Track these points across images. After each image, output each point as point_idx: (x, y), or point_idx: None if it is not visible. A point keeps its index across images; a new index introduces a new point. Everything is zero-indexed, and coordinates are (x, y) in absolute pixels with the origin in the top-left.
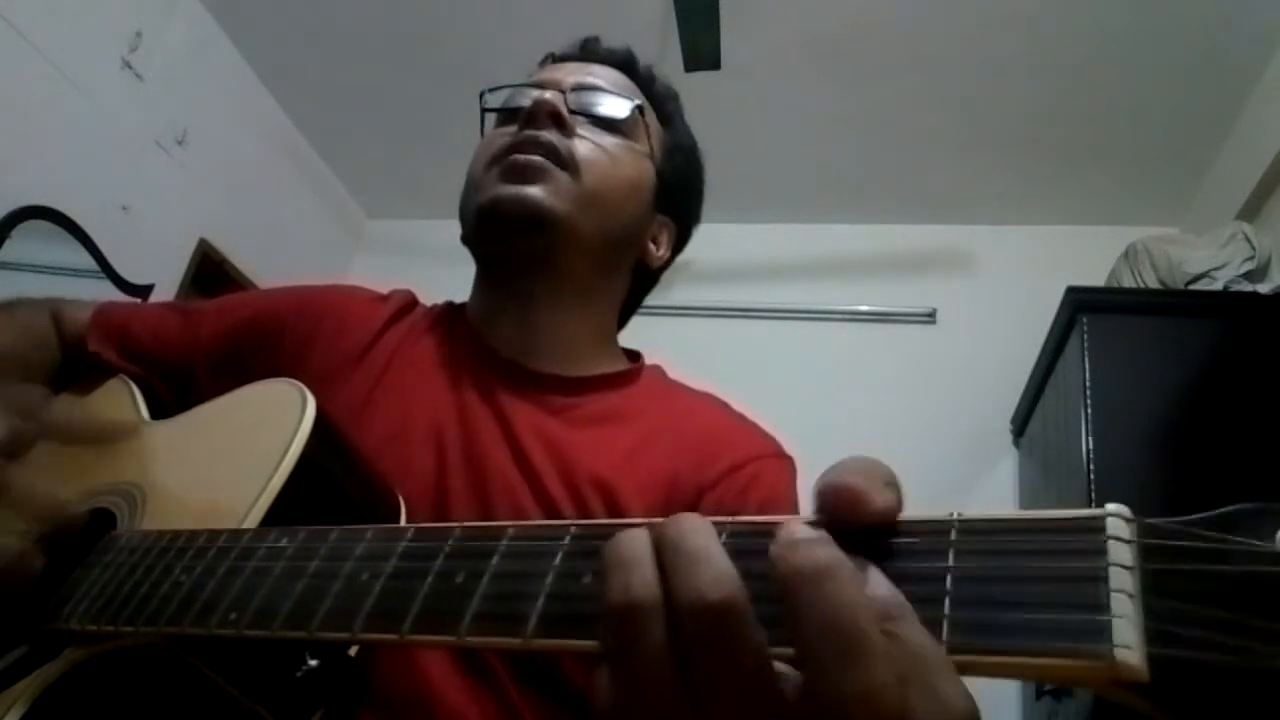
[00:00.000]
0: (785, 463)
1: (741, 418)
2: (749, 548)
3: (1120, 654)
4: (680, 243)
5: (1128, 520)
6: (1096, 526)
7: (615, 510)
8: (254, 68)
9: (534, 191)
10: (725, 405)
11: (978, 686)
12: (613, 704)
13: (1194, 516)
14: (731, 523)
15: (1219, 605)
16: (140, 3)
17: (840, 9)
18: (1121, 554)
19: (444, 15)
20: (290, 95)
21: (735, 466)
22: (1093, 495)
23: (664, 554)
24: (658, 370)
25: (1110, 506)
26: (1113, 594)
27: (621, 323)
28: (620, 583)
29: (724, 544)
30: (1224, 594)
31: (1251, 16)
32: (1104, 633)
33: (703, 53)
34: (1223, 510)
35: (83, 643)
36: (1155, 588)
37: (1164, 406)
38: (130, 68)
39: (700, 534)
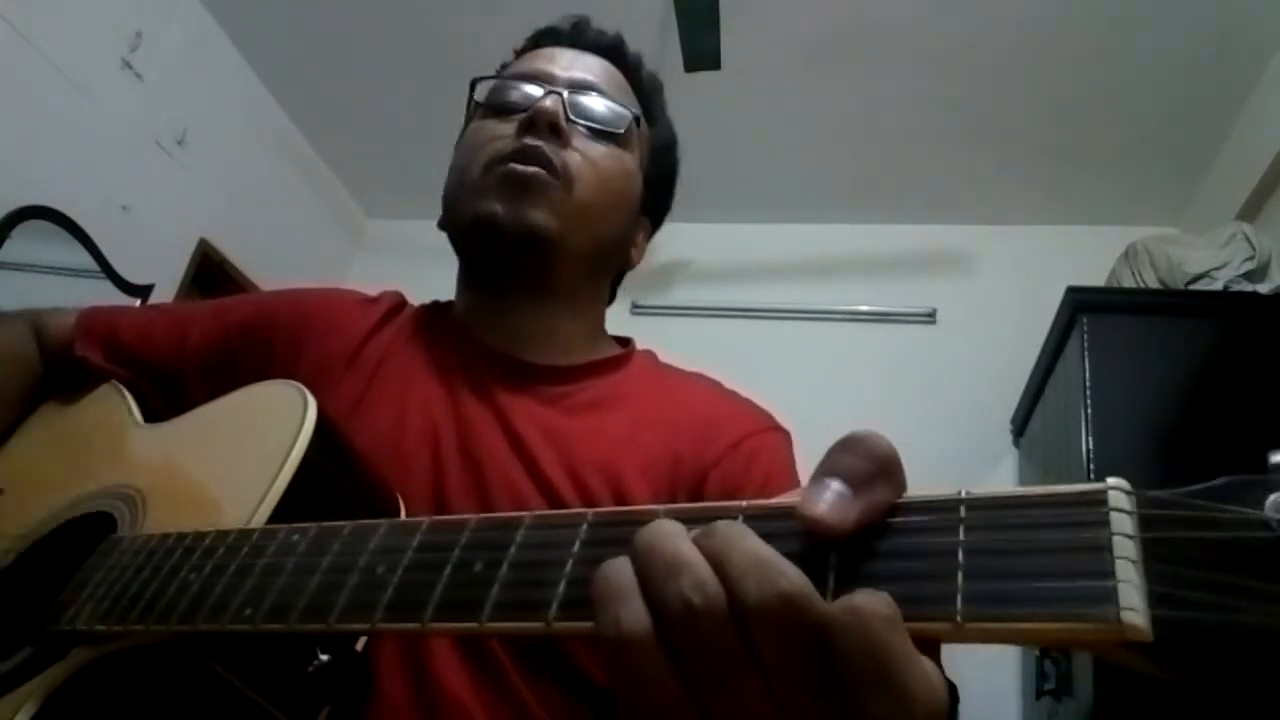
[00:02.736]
0: (781, 436)
1: (734, 395)
2: (775, 531)
3: (1126, 616)
4: (651, 235)
5: (1127, 493)
6: (1099, 499)
7: (620, 493)
8: (254, 68)
9: (534, 215)
10: (717, 384)
11: (975, 688)
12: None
13: (1188, 488)
14: (749, 507)
15: (1215, 569)
16: (140, 3)
17: (840, 9)
18: (1123, 524)
19: (444, 15)
20: (290, 95)
21: (736, 443)
22: None
23: (716, 564)
24: (649, 355)
25: (1111, 480)
26: (1117, 561)
27: None
28: (610, 615)
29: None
30: (1219, 559)
31: (1252, 16)
32: (1110, 597)
33: (703, 53)
34: (1215, 481)
35: (90, 643)
36: (1155, 554)
37: (1164, 406)
38: (130, 68)
39: (747, 538)
